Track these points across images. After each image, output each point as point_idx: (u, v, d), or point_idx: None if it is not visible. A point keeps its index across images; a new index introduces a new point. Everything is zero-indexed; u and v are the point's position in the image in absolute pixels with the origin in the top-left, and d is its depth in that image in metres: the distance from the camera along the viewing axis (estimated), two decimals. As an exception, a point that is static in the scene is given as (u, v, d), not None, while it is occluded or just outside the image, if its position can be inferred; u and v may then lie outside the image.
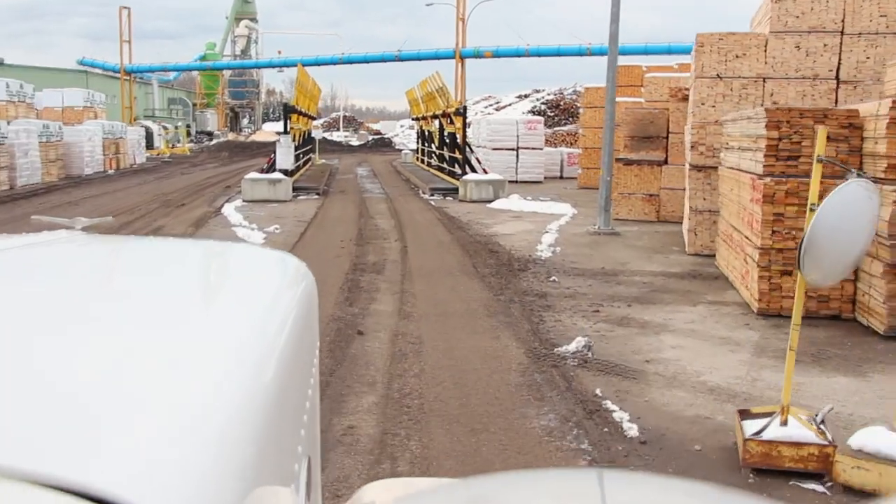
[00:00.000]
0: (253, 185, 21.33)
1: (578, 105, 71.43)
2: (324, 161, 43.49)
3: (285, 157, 22.44)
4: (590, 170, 28.17)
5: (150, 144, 58.15)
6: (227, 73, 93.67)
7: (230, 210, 19.15)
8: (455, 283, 10.43)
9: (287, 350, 1.18)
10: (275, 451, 0.97)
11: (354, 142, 70.77)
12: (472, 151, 23.69)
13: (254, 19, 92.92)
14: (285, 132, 23.07)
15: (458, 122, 23.81)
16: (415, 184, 27.91)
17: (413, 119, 39.32)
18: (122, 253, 1.91)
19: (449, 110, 24.31)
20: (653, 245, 14.17)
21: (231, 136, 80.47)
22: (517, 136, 30.45)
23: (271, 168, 22.60)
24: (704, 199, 13.01)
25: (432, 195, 23.24)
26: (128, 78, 59.57)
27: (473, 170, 23.57)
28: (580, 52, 46.92)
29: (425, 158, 34.00)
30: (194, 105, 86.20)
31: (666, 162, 18.06)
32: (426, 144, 33.82)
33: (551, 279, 10.67)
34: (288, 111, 23.33)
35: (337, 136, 74.63)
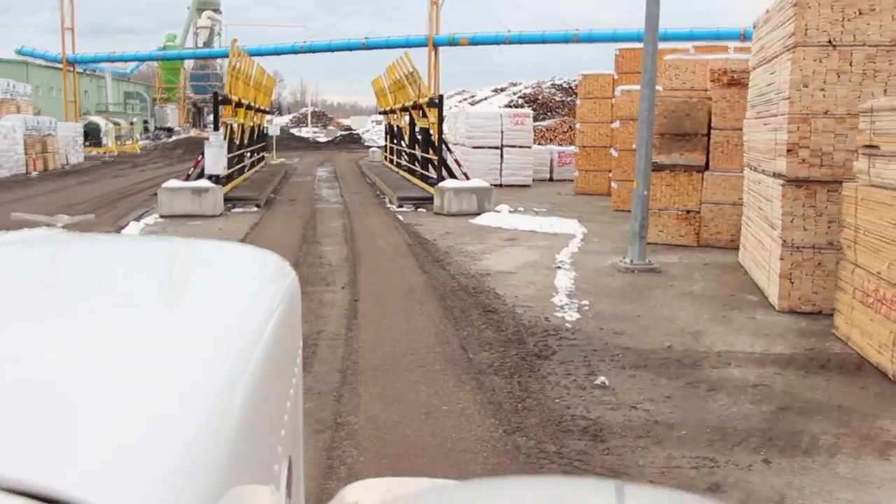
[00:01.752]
0: (172, 197, 16.70)
1: (563, 97, 66.98)
2: (282, 160, 38.81)
3: (216, 159, 17.81)
4: (589, 172, 23.86)
5: (97, 142, 53.42)
6: (188, 66, 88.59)
7: (134, 230, 14.56)
8: (434, 396, 5.89)
9: (266, 348, 1.16)
10: (251, 451, 0.95)
11: (322, 138, 66.63)
12: (449, 151, 19.21)
13: (217, 10, 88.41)
14: (215, 129, 18.45)
15: (433, 116, 19.32)
16: (381, 190, 23.39)
17: (380, 113, 34.71)
18: (101, 251, 1.91)
19: (421, 101, 19.82)
20: (716, 291, 9.77)
21: (193, 133, 75.76)
22: (501, 132, 26.03)
23: (200, 174, 17.99)
24: (806, 229, 8.62)
25: (401, 206, 18.72)
26: (71, 69, 54.35)
27: (452, 174, 19.09)
28: (566, 39, 42.58)
29: (394, 158, 29.43)
30: (154, 100, 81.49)
31: (707, 167, 13.72)
32: (395, 142, 29.25)
33: (597, 382, 6.20)
34: (220, 103, 18.68)
35: (305, 131, 70.65)
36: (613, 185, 19.65)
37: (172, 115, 78.73)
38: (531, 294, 9.36)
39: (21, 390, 0.75)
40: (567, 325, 7.96)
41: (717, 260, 12.12)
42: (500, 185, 25.61)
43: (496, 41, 43.49)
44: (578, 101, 24.30)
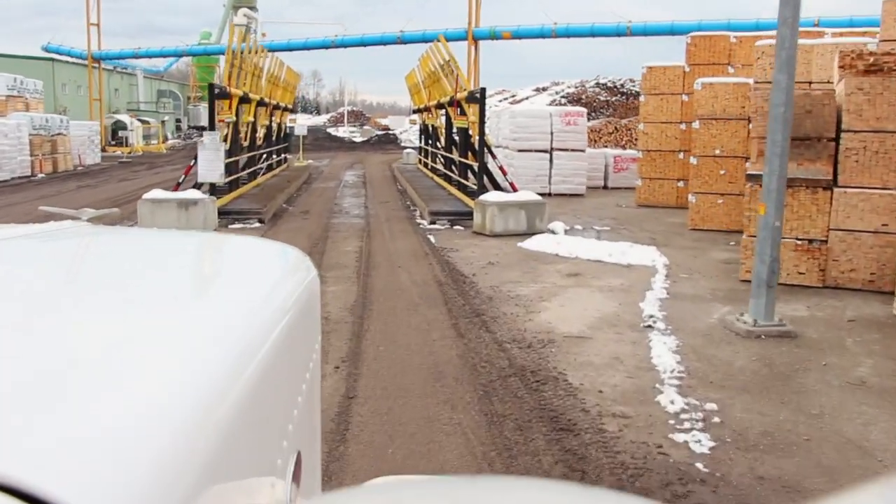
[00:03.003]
0: (153, 210, 13.71)
1: (607, 96, 63.44)
2: (310, 162, 35.84)
3: (211, 165, 14.78)
4: (653, 181, 20.47)
5: (124, 141, 51.08)
6: (223, 63, 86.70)
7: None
8: None
9: (278, 342, 1.16)
10: (249, 445, 0.96)
11: (358, 138, 63.88)
12: (493, 156, 15.94)
13: (253, 7, 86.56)
14: (210, 127, 15.41)
15: (473, 114, 16.09)
16: (411, 199, 20.23)
17: (414, 111, 31.53)
18: (124, 243, 1.92)
19: (459, 96, 16.58)
20: (901, 378, 6.42)
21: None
22: (551, 133, 22.73)
23: (198, 183, 14.98)
24: None
25: (434, 222, 15.51)
26: (96, 66, 52.03)
27: (495, 183, 15.85)
28: (618, 33, 39.01)
29: (429, 162, 26.24)
30: (188, 98, 79.59)
31: (835, 183, 10.32)
32: (431, 144, 26.05)
33: None
34: (217, 96, 15.61)
35: (342, 131, 68.18)
36: (691, 198, 16.26)
37: (206, 114, 76.71)
38: (622, 386, 6.07)
39: (27, 382, 0.76)
40: (699, 467, 4.67)
41: (862, 312, 8.74)
42: (549, 194, 22.36)
43: (541, 34, 40.06)
44: (642, 98, 20.88)
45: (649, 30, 38.28)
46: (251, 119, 19.67)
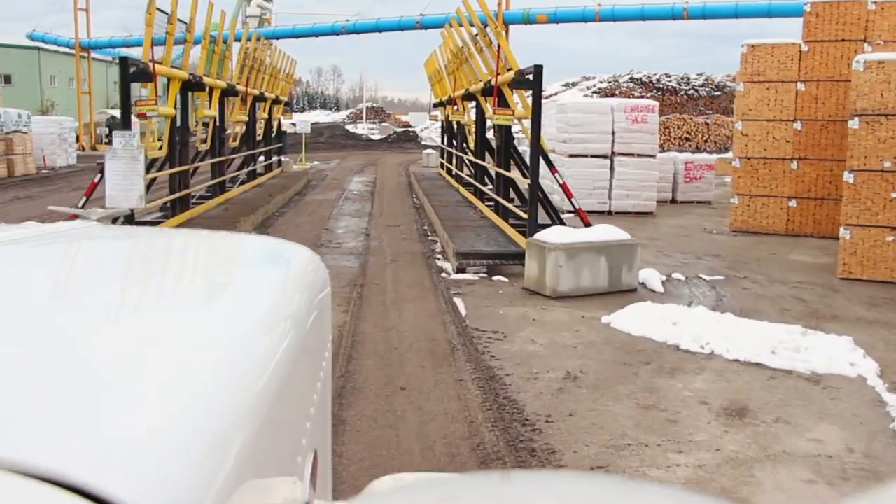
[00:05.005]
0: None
1: (642, 92, 57.76)
2: (313, 164, 30.71)
3: (124, 182, 9.74)
4: (755, 199, 15.15)
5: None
6: (234, 55, 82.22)
7: None
8: None
9: (295, 341, 1.17)
10: (275, 444, 0.96)
11: (376, 135, 58.90)
12: (553, 170, 10.55)
13: None
14: (124, 125, 10.22)
15: (523, 105, 10.79)
16: (430, 222, 14.99)
17: (435, 105, 26.03)
18: (134, 243, 1.92)
19: (501, 80, 11.22)
20: None
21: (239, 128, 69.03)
22: (612, 134, 17.42)
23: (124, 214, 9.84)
24: None
25: (464, 268, 10.23)
26: (84, 55, 47.17)
27: (551, 210, 10.59)
28: (672, 15, 33.53)
29: (453, 168, 20.93)
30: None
31: None
32: (455, 145, 20.71)
33: None
34: (133, 78, 10.31)
35: (361, 128, 63.38)
36: (844, 232, 10.90)
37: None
38: None
39: (53, 381, 0.75)
40: None
41: None
42: (609, 213, 17.11)
43: (583, 17, 34.65)
44: (739, 87, 15.49)
45: (710, 12, 32.72)
46: (211, 114, 14.47)
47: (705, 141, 50.27)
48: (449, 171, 21.99)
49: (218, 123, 15.60)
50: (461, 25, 14.83)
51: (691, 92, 64.05)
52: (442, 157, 24.79)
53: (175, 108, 12.26)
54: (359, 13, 39.29)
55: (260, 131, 21.18)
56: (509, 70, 10.86)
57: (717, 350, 7.05)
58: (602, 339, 7.37)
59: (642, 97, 48.92)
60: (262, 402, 0.90)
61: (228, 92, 15.92)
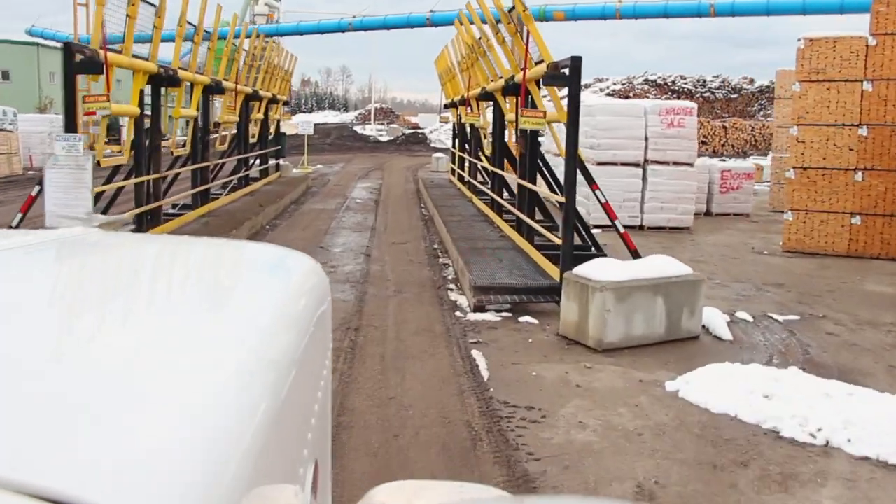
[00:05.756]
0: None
1: (657, 94, 55.78)
2: (316, 168, 28.88)
3: (68, 195, 7.91)
4: (813, 214, 13.25)
5: (119, 138, 44.67)
6: (249, 57, 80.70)
7: None
8: None
9: (297, 352, 1.16)
10: (277, 454, 0.94)
11: (384, 137, 57.17)
12: (594, 186, 8.59)
13: None
14: (67, 127, 8.36)
15: (555, 106, 8.85)
16: (440, 241, 13.10)
17: (447, 106, 23.91)
18: (136, 250, 1.89)
19: (531, 74, 9.28)
20: None
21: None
22: (646, 139, 15.51)
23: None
24: None
25: (483, 306, 8.29)
26: (83, 51, 45.39)
27: (590, 238, 8.68)
28: (699, 12, 31.53)
29: (465, 174, 19.01)
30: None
31: None
32: (470, 150, 18.74)
33: None
34: (80, 68, 8.40)
35: (369, 129, 61.76)
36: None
37: (220, 109, 70.82)
38: None
39: (50, 391, 0.75)
40: None
41: None
42: (641, 227, 15.21)
43: (602, 15, 32.71)
44: (795, 87, 13.54)
45: (739, 9, 30.72)
46: (191, 113, 12.62)
47: (722, 145, 48.31)
48: (461, 178, 20.08)
49: (201, 124, 13.76)
50: (478, 19, 12.92)
51: (707, 94, 62.13)
52: (453, 163, 22.86)
53: (142, 105, 10.40)
54: (367, 9, 37.42)
55: (255, 133, 19.32)
56: (539, 63, 8.95)
57: (835, 440, 5.14)
58: (674, 421, 5.46)
59: (658, 100, 46.98)
60: (265, 415, 0.87)
61: (213, 89, 14.07)
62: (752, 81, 63.60)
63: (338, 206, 18.22)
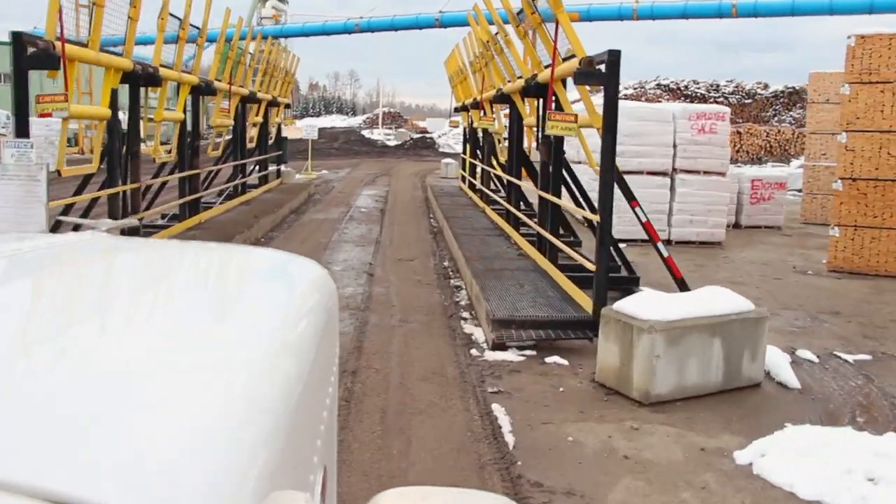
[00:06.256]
0: None
1: (670, 98, 54.63)
2: (320, 174, 27.74)
3: (17, 211, 6.77)
4: (863, 231, 12.00)
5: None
6: (248, 58, 79.84)
7: None
8: None
9: (306, 357, 1.16)
10: (290, 461, 0.94)
11: (392, 141, 56.02)
12: (634, 203, 7.37)
13: (283, 0, 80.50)
14: (19, 132, 7.16)
15: (588, 108, 7.63)
16: (451, 257, 11.87)
17: (457, 109, 22.45)
18: (144, 255, 1.90)
19: (560, 71, 8.05)
20: None
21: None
22: (674, 146, 14.27)
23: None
24: None
25: (502, 343, 7.04)
26: (84, 53, 44.32)
27: (623, 261, 7.47)
28: (720, 12, 30.30)
29: (477, 183, 17.78)
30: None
31: None
32: (483, 157, 17.46)
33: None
34: (32, 63, 7.19)
35: (377, 133, 60.67)
36: None
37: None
38: None
39: (57, 396, 0.74)
40: None
41: None
42: (668, 241, 13.94)
43: (619, 15, 31.51)
44: (844, 90, 12.29)
45: (762, 9, 29.43)
46: (177, 117, 11.44)
47: (737, 151, 47.02)
48: (472, 187, 18.86)
49: (190, 129, 12.60)
50: (495, 12, 11.71)
51: (720, 100, 60.77)
52: (463, 170, 21.63)
53: (115, 107, 9.23)
54: (374, 9, 36.28)
55: (253, 137, 18.15)
56: (568, 59, 7.74)
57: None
58: (756, 514, 4.23)
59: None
60: (276, 421, 0.87)
61: (203, 90, 12.90)
62: (766, 86, 62.53)
63: (341, 216, 17.02)
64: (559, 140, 9.14)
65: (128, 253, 1.87)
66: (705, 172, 14.45)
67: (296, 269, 1.72)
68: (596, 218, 7.12)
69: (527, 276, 9.00)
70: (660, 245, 7.17)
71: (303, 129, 29.58)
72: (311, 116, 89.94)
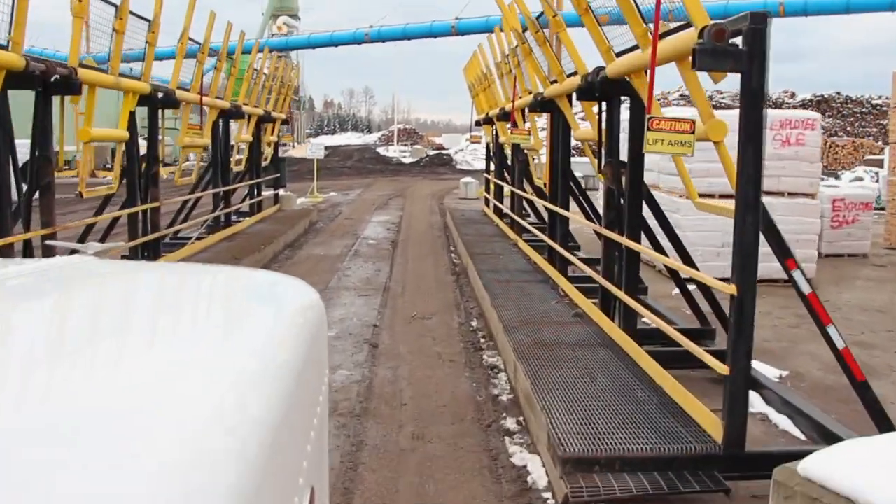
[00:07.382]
0: None
1: (726, 104, 52.14)
2: (328, 196, 25.12)
3: None
4: None
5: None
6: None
7: None
8: None
9: (296, 376, 1.15)
10: (271, 483, 0.92)
11: (408, 158, 53.72)
12: (794, 266, 4.66)
13: (294, 16, 78.89)
14: None
15: (700, 116, 4.90)
16: (481, 314, 9.08)
17: (478, 123, 19.45)
18: (131, 278, 1.87)
19: (662, 50, 5.35)
20: None
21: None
22: (753, 162, 11.40)
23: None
24: None
25: (577, 492, 4.25)
26: (82, 71, 42.15)
27: (701, 330, 4.65)
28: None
29: (504, 209, 14.97)
30: (216, 115, 71.37)
31: None
32: (515, 180, 14.56)
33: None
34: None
35: (392, 150, 58.58)
36: None
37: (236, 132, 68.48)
38: None
39: (42, 421, 0.73)
40: None
41: None
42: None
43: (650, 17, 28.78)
44: None
45: (813, 7, 26.57)
46: (121, 135, 8.76)
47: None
48: (498, 211, 16.07)
49: (145, 151, 9.94)
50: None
51: (747, 110, 58.21)
52: (487, 191, 18.83)
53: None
54: (384, 17, 33.71)
55: (241, 160, 15.48)
56: (672, 31, 5.02)
57: None
58: None
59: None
60: (261, 443, 0.86)
61: (165, 102, 10.20)
62: (793, 95, 60.10)
63: (344, 252, 14.26)
64: (636, 160, 6.38)
65: (115, 276, 1.85)
66: (790, 194, 11.64)
67: (283, 289, 1.68)
68: (730, 290, 4.33)
69: (595, 358, 6.20)
70: (834, 329, 4.36)
71: (307, 147, 27.00)
72: (326, 134, 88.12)
